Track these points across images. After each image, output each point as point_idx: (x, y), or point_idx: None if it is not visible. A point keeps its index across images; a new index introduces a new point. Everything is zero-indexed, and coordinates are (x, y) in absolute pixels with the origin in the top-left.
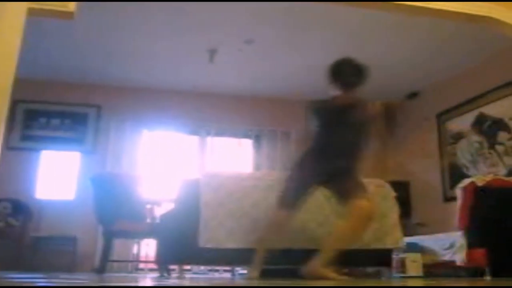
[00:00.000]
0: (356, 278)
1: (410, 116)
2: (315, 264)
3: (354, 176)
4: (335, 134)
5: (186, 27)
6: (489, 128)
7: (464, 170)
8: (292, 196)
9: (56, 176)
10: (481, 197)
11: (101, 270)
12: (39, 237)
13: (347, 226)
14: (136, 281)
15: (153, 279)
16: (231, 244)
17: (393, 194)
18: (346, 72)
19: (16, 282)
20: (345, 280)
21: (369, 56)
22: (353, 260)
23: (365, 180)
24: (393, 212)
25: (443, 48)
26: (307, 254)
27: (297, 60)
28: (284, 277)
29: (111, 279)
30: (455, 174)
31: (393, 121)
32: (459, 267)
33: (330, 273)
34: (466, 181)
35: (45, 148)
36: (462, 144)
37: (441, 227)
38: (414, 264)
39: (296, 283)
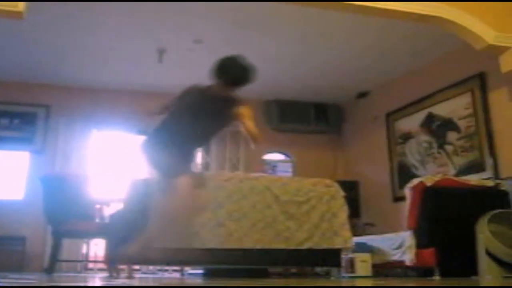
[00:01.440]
0: (306, 278)
1: (360, 115)
2: None
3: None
4: (192, 119)
5: (136, 27)
6: (438, 128)
7: (413, 170)
8: None
9: (5, 176)
10: (430, 197)
11: (50, 270)
12: None
13: None
14: (86, 281)
15: (102, 279)
16: (179, 244)
17: (342, 193)
18: (232, 71)
19: None
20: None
21: (318, 56)
22: (302, 259)
23: (314, 180)
24: (342, 212)
25: (392, 48)
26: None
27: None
28: (230, 277)
29: (60, 279)
30: (404, 174)
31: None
32: (408, 267)
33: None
34: (415, 181)
35: None
36: (411, 144)
37: (390, 227)
38: (364, 264)
39: (238, 284)
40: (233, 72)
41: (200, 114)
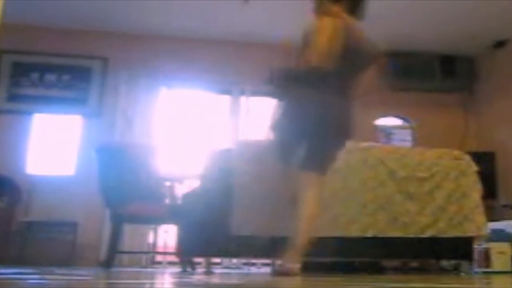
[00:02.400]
0: (429, 273)
1: (497, 69)
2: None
3: None
4: None
5: None
6: None
7: None
8: None
9: (52, 146)
10: None
11: (108, 264)
12: (30, 222)
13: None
14: (152, 278)
15: (174, 275)
16: (271, 232)
17: (474, 168)
18: None
19: (1, 278)
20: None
21: (447, 2)
22: (424, 251)
23: (439, 151)
24: (475, 191)
25: None
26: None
27: None
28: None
29: (120, 275)
30: None
31: None
32: None
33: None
34: None
35: (38, 111)
36: None
37: None
38: (502, 256)
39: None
40: None
41: None
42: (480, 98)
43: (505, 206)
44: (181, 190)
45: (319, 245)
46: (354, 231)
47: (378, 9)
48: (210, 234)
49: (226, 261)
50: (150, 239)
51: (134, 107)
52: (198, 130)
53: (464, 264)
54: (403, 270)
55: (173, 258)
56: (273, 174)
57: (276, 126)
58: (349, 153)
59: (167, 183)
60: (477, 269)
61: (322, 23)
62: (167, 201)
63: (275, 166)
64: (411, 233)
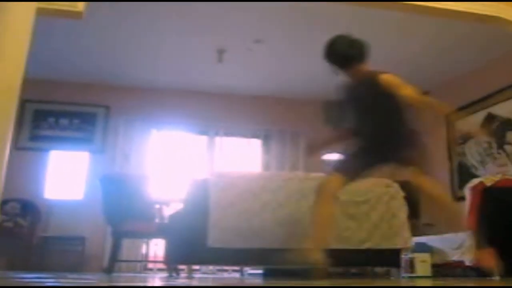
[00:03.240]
0: (366, 278)
1: (419, 115)
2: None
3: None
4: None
5: (195, 27)
6: (497, 128)
7: (473, 170)
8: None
9: (65, 176)
10: (490, 197)
11: (109, 270)
12: (48, 237)
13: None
14: (145, 281)
15: (162, 279)
16: (240, 244)
17: (401, 194)
18: (342, 48)
19: (25, 282)
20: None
21: (378, 56)
22: (362, 260)
23: (373, 180)
24: (402, 212)
25: (452, 48)
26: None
27: (306, 60)
28: (289, 278)
29: (119, 279)
30: (464, 174)
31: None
32: (468, 267)
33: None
34: (474, 181)
35: (54, 148)
36: (471, 144)
37: (450, 227)
38: (423, 264)
39: (300, 284)
40: (344, 47)
41: (361, 111)
42: None
43: (426, 224)
44: (168, 211)
45: (281, 255)
46: (308, 244)
47: (326, 65)
48: (191, 246)
49: (204, 268)
50: (143, 250)
51: (130, 145)
52: (181, 163)
53: (394, 270)
54: (345, 275)
55: (162, 266)
56: (240, 199)
57: None
58: (301, 181)
59: (157, 206)
60: (404, 275)
61: (393, 78)
62: (156, 220)
63: (241, 193)
64: (352, 246)
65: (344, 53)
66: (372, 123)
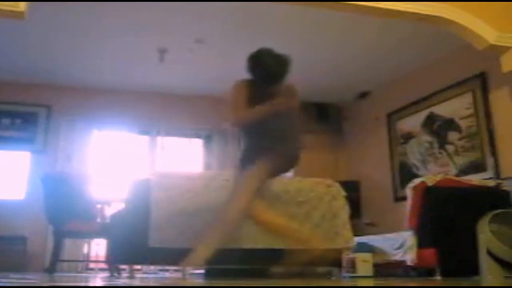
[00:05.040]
0: (307, 278)
1: (361, 115)
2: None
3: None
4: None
5: (136, 27)
6: (439, 128)
7: (415, 170)
8: None
9: (6, 176)
10: (431, 196)
11: (51, 270)
12: None
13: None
14: (87, 281)
15: (104, 279)
16: (181, 244)
17: (343, 193)
18: (267, 64)
19: None
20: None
21: (319, 56)
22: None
23: (315, 180)
24: (343, 212)
25: (393, 48)
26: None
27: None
28: (230, 277)
29: (61, 278)
30: (406, 174)
31: None
32: (410, 267)
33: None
34: (416, 181)
35: None
36: (412, 144)
37: (392, 227)
38: (365, 264)
39: (239, 284)
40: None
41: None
42: (347, 138)
43: (367, 224)
44: (109, 211)
45: (221, 255)
46: (247, 244)
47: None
48: (132, 246)
49: (145, 268)
50: (85, 250)
51: (72, 145)
52: (123, 163)
53: (335, 270)
54: (287, 275)
55: (103, 265)
56: (182, 199)
57: None
58: (194, 180)
59: (98, 206)
60: (345, 274)
61: None
62: (98, 220)
63: (183, 193)
64: (293, 245)
65: (269, 71)
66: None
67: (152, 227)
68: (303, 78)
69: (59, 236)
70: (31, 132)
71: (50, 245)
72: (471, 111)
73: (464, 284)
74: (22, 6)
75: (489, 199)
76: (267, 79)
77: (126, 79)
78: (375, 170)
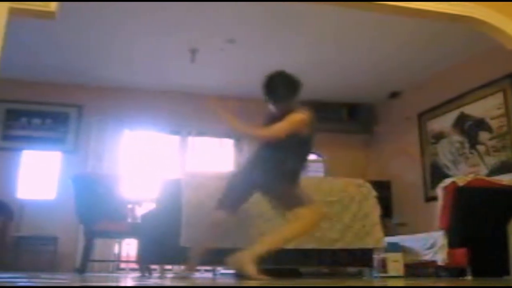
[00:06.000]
0: (338, 278)
1: (392, 115)
2: (243, 256)
3: (283, 192)
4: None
5: (168, 27)
6: (470, 128)
7: (445, 170)
8: (232, 199)
9: (37, 176)
10: (462, 196)
11: (82, 270)
12: (20, 237)
13: (289, 228)
14: (117, 281)
15: (134, 279)
16: (212, 244)
17: (374, 194)
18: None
19: None
20: (265, 280)
21: (351, 56)
22: (334, 259)
23: (346, 180)
24: (374, 212)
25: (425, 48)
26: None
27: (279, 60)
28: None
29: (92, 278)
30: (436, 174)
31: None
32: (440, 267)
33: (252, 270)
34: (447, 181)
35: (26, 148)
36: (443, 144)
37: (423, 227)
38: (395, 264)
39: (273, 284)
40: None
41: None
42: (378, 138)
43: (398, 224)
44: (140, 211)
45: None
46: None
47: (299, 66)
48: (163, 246)
49: (176, 267)
50: (116, 250)
51: (103, 145)
52: (154, 163)
53: (366, 270)
54: (317, 275)
55: (134, 265)
56: (212, 199)
57: None
58: (224, 180)
59: (129, 206)
60: (376, 274)
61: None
62: (129, 220)
63: (213, 193)
64: (324, 245)
65: (280, 90)
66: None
67: (183, 227)
68: (334, 77)
69: (90, 236)
70: (62, 132)
71: (81, 245)
72: (502, 111)
73: (495, 284)
74: (53, 6)
75: None
76: (267, 99)
77: (157, 79)
78: (406, 170)
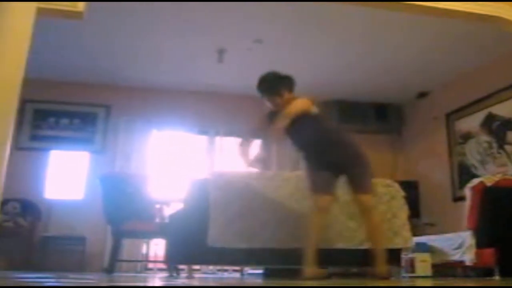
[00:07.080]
0: (366, 278)
1: (420, 116)
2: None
3: (367, 168)
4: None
5: (195, 27)
6: (498, 128)
7: (473, 170)
8: (324, 183)
9: (65, 176)
10: (490, 196)
11: (110, 269)
12: (48, 237)
13: (377, 220)
14: (145, 281)
15: (162, 279)
16: (239, 244)
17: (402, 194)
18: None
19: (25, 282)
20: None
21: (378, 56)
22: (362, 259)
23: (374, 180)
24: (402, 212)
25: (452, 48)
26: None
27: (306, 60)
28: (290, 277)
29: (120, 278)
30: (464, 174)
31: None
32: (468, 267)
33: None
34: (475, 181)
35: (54, 148)
36: (471, 144)
37: (451, 227)
38: (423, 264)
39: (301, 284)
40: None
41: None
42: (406, 138)
43: (426, 224)
44: (168, 211)
45: (281, 255)
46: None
47: (327, 66)
48: (191, 246)
49: (204, 268)
50: (144, 250)
51: (131, 145)
52: (182, 163)
53: (394, 270)
54: (345, 275)
55: (162, 265)
56: (240, 199)
57: None
58: (302, 181)
59: (157, 206)
60: (404, 274)
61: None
62: (157, 220)
63: (241, 193)
64: (352, 245)
65: (273, 83)
66: (305, 140)
67: (211, 227)
68: (362, 77)
69: (118, 236)
70: (90, 132)
71: (109, 245)
72: None
73: None
74: (80, 6)
75: None
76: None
77: (185, 79)
78: (434, 170)
